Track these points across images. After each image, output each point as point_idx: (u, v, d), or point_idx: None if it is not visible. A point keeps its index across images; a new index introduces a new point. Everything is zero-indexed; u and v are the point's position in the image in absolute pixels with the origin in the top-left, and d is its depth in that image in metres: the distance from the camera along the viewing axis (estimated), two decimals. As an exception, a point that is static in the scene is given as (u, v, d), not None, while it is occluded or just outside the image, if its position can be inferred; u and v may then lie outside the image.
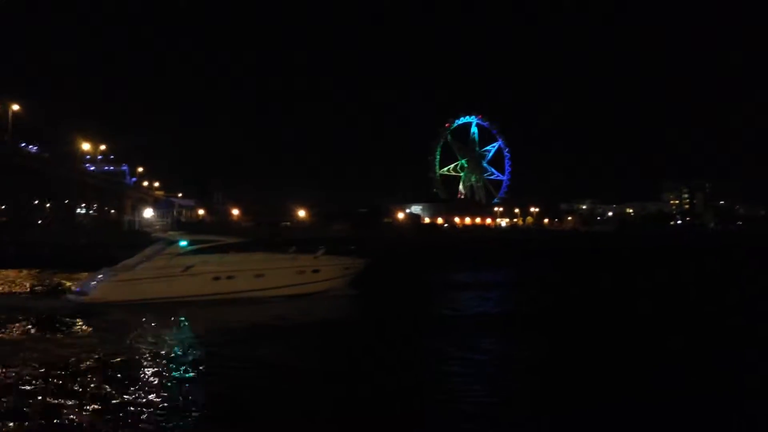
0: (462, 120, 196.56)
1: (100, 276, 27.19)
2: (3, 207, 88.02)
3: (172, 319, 23.30)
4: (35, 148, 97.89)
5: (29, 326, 21.49)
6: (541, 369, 16.87)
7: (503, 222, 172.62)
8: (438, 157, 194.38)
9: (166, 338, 20.30)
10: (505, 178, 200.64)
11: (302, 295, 28.53)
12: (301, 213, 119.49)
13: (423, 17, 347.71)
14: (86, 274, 38.10)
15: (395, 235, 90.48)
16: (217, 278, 27.67)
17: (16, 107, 77.77)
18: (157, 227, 39.48)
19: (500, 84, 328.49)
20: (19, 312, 23.60)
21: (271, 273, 28.84)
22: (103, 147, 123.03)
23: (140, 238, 63.44)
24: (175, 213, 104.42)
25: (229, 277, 27.89)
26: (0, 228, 64.16)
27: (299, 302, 27.65)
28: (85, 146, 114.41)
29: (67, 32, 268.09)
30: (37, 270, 40.71)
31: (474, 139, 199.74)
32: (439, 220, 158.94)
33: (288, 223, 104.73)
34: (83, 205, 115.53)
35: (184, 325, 22.83)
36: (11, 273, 39.40)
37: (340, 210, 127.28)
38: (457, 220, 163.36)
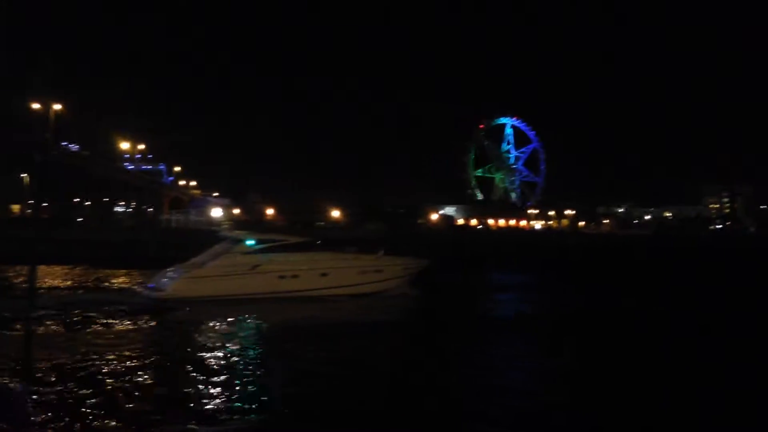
0: (497, 121, 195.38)
1: (171, 273, 28.22)
2: (44, 204, 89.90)
3: (237, 316, 24.13)
4: (76, 146, 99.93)
5: (125, 318, 23.11)
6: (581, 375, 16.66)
7: (538, 224, 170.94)
8: (472, 158, 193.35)
9: (228, 334, 21.14)
10: (540, 180, 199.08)
11: (364, 295, 29.21)
12: (335, 213, 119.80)
13: (450, 17, 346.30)
14: (123, 270, 39.08)
15: (430, 236, 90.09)
16: (282, 277, 28.43)
17: (57, 106, 79.18)
18: (225, 226, 40.85)
19: (536, 85, 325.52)
20: (103, 306, 24.95)
21: (334, 272, 29.50)
22: (141, 146, 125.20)
23: (176, 237, 64.42)
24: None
25: (294, 276, 28.65)
26: (39, 225, 65.36)
27: (361, 302, 28.33)
28: (124, 145, 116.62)
29: (104, 32, 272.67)
30: (71, 266, 41.44)
31: (509, 140, 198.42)
32: (473, 222, 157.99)
33: (322, 223, 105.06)
34: (122, 203, 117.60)
35: (248, 322, 23.63)
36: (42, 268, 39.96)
37: (374, 210, 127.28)
38: (491, 221, 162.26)
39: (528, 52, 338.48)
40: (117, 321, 22.71)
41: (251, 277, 27.83)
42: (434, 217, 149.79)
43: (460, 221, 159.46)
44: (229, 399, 13.46)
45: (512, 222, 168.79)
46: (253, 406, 13.01)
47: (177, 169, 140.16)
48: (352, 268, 30.15)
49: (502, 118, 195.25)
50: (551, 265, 54.86)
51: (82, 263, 42.89)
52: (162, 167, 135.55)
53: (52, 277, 36.19)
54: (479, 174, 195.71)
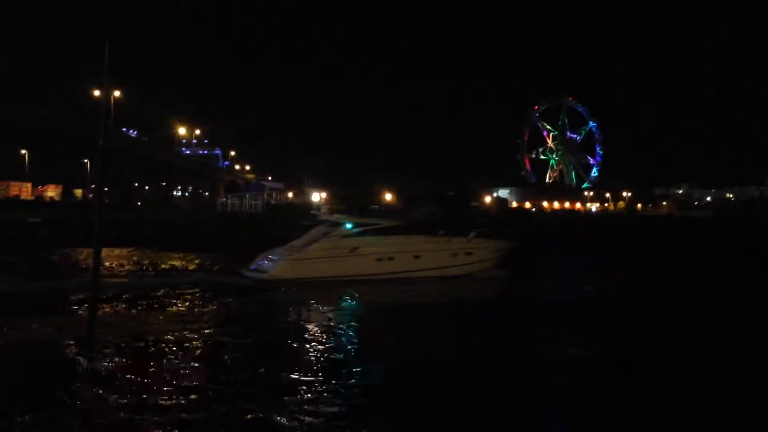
0: (552, 102, 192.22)
1: (272, 256, 29.41)
2: (105, 189, 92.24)
3: (340, 296, 25.08)
4: (135, 132, 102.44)
5: (245, 297, 24.43)
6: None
7: (593, 207, 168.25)
8: (527, 140, 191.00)
9: (332, 314, 21.93)
10: (596, 161, 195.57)
11: (455, 277, 29.91)
12: (388, 196, 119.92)
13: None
14: (179, 254, 39.79)
15: (484, 218, 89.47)
16: (379, 259, 29.41)
17: (117, 93, 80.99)
18: (324, 210, 42.43)
19: (592, 64, 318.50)
20: (219, 287, 25.98)
21: (427, 255, 30.28)
22: (198, 132, 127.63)
23: (229, 220, 65.45)
24: (265, 195, 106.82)
25: (390, 258, 29.56)
26: (101, 209, 67.03)
27: (452, 283, 28.93)
28: (181, 131, 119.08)
29: (158, 22, 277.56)
30: (132, 249, 42.35)
31: (564, 121, 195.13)
32: (527, 204, 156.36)
33: (375, 207, 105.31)
34: (179, 187, 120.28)
35: (353, 300, 24.68)
36: (113, 251, 41.04)
37: (427, 193, 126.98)
38: (545, 204, 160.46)
39: (583, 32, 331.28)
40: (215, 301, 23.43)
41: (350, 259, 28.85)
42: (488, 199, 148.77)
43: (514, 204, 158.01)
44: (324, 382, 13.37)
45: (567, 204, 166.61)
46: (346, 390, 12.91)
47: (232, 153, 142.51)
48: (445, 251, 30.84)
49: (557, 99, 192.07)
50: (609, 247, 53.98)
51: (143, 246, 43.71)
52: (218, 152, 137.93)
53: (126, 260, 36.95)
54: (534, 156, 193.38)
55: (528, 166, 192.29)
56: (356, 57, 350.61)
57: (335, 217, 33.58)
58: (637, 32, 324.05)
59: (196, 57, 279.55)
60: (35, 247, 40.92)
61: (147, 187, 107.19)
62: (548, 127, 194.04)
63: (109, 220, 48.70)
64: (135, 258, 38.12)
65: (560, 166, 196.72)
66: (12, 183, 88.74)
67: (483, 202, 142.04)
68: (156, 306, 21.77)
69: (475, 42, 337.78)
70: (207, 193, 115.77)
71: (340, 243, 29.40)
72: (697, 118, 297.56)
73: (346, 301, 24.49)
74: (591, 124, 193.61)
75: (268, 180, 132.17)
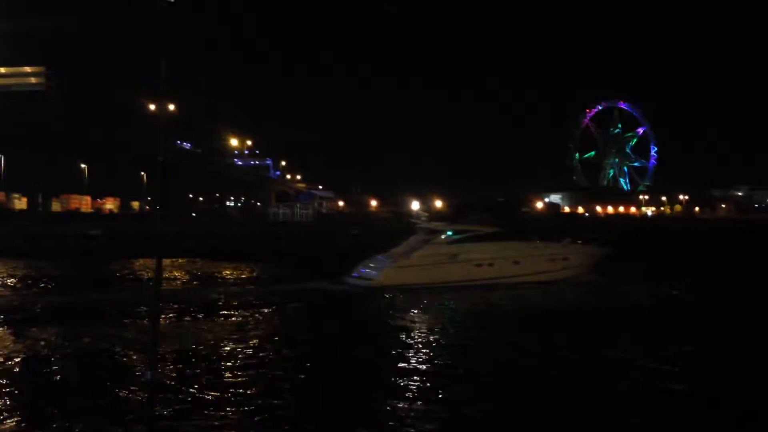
0: (604, 105, 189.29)
1: (373, 264, 30.12)
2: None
3: (443, 301, 25.50)
4: (189, 144, 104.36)
5: (365, 303, 25.34)
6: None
7: (649, 211, 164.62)
8: (578, 144, 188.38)
9: (435, 319, 22.34)
10: (650, 164, 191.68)
11: (552, 282, 29.94)
12: (438, 203, 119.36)
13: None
14: (249, 264, 39.78)
15: (536, 224, 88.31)
16: (479, 265, 29.75)
17: (172, 107, 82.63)
18: (423, 218, 43.64)
19: (646, 65, 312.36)
20: (329, 295, 26.75)
21: (526, 260, 30.61)
22: (249, 142, 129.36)
23: (284, 229, 65.90)
24: (316, 204, 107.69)
25: (489, 264, 29.94)
26: (163, 220, 68.14)
27: (551, 288, 28.84)
28: (233, 142, 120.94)
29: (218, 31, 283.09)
30: (186, 259, 42.46)
31: (617, 124, 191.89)
32: (580, 209, 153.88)
33: (426, 214, 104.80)
34: (231, 198, 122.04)
35: (456, 307, 24.88)
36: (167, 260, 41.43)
37: (477, 200, 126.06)
38: (598, 209, 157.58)
39: (635, 33, 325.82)
40: (339, 308, 24.17)
41: (452, 265, 29.28)
42: (539, 205, 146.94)
43: (566, 209, 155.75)
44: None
45: (621, 209, 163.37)
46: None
47: (283, 163, 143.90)
48: (542, 256, 31.16)
49: (609, 102, 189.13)
50: (671, 251, 52.68)
51: (201, 257, 43.77)
52: (269, 162, 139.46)
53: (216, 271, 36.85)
54: (586, 160, 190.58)
55: (580, 171, 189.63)
56: (399, 63, 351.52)
57: (433, 224, 34.06)
58: (691, 32, 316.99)
59: (247, 67, 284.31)
60: (96, 259, 41.63)
61: (201, 198, 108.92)
62: (600, 130, 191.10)
63: (167, 232, 49.52)
64: (235, 270, 37.68)
65: (613, 170, 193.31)
66: (72, 196, 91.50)
67: (534, 208, 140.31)
68: (277, 316, 21.99)
69: (525, 45, 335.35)
70: (259, 203, 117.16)
71: (442, 250, 29.90)
72: (758, 118, 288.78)
73: (443, 309, 24.76)
74: (644, 126, 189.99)
75: (318, 189, 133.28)
